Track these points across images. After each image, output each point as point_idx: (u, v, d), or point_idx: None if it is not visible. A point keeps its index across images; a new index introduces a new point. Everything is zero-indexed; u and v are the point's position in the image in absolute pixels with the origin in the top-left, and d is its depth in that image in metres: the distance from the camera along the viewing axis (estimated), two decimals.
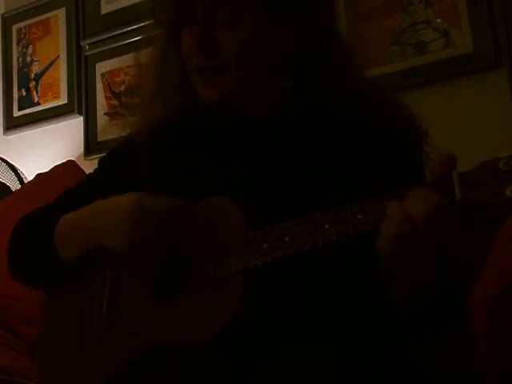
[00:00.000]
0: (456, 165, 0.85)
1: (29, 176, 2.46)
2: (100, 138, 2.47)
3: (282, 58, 1.09)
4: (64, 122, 2.59)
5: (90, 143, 2.48)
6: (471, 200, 0.82)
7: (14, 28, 2.78)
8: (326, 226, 0.90)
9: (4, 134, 2.73)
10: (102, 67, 2.51)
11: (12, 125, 2.72)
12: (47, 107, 2.63)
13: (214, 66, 1.05)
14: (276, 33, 1.06)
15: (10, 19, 2.79)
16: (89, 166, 2.21)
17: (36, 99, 2.68)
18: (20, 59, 2.76)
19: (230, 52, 1.04)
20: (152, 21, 1.16)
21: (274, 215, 0.96)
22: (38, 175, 2.26)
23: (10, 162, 2.53)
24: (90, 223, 1.07)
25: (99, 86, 2.50)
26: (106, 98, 2.49)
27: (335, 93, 1.08)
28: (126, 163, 1.16)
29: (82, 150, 2.50)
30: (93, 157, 2.42)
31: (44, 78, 2.67)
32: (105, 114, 2.48)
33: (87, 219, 1.08)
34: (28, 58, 2.74)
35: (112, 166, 1.21)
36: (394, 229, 0.85)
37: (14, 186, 2.46)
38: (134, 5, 2.42)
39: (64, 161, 2.31)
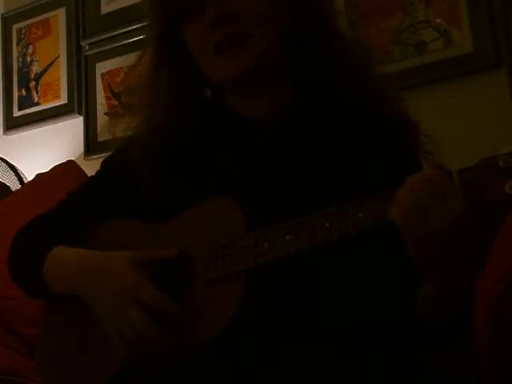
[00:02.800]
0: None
1: (29, 176, 2.46)
2: (100, 138, 2.47)
3: (287, 31, 1.09)
4: (64, 122, 2.59)
5: (90, 143, 2.48)
6: (471, 197, 0.83)
7: (14, 28, 2.78)
8: (327, 225, 0.91)
9: (4, 133, 2.73)
10: (102, 67, 2.51)
11: (12, 125, 2.71)
12: (47, 107, 2.63)
13: (239, 32, 1.04)
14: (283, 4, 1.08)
15: (9, 19, 2.79)
16: (89, 166, 2.21)
17: (36, 99, 2.68)
18: (20, 59, 2.76)
19: (250, 15, 1.04)
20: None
21: (275, 214, 0.96)
22: (38, 175, 2.26)
23: (10, 161, 2.53)
24: (80, 278, 1.07)
25: (99, 85, 2.50)
26: (106, 97, 2.49)
27: (333, 75, 1.09)
28: (129, 165, 1.15)
29: (82, 149, 2.50)
30: (93, 157, 2.42)
31: (44, 78, 2.67)
32: (105, 113, 2.48)
33: (79, 271, 1.08)
34: (28, 58, 2.74)
35: (114, 169, 1.21)
36: (400, 209, 0.84)
37: (14, 186, 2.46)
38: (134, 5, 2.42)
39: (64, 161, 2.31)
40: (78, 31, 2.58)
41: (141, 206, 1.13)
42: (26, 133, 2.68)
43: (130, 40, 2.39)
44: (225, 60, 1.05)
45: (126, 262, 1.01)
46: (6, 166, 2.50)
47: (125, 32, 2.43)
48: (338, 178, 1.03)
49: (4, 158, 2.53)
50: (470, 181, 0.83)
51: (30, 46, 2.74)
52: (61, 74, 2.62)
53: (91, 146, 2.48)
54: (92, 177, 1.25)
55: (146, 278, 0.99)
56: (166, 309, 0.97)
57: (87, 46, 2.55)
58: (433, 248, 0.85)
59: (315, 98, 1.11)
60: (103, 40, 2.51)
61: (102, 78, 2.50)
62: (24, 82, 2.73)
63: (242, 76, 1.06)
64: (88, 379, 1.07)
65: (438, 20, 1.88)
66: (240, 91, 1.12)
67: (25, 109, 2.70)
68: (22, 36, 2.76)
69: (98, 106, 2.49)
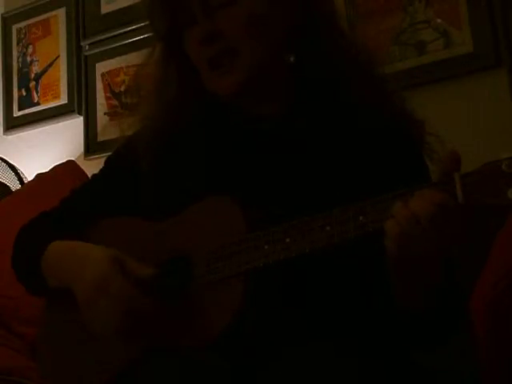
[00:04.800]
0: (460, 165, 0.85)
1: (29, 176, 2.46)
2: (100, 138, 2.47)
3: (283, 34, 1.09)
4: (64, 122, 2.59)
5: (90, 143, 2.48)
6: (473, 202, 0.82)
7: (14, 28, 2.78)
8: (328, 228, 0.90)
9: (4, 133, 2.73)
10: (101, 67, 2.51)
11: (12, 125, 2.71)
12: (47, 107, 2.63)
13: (225, 50, 1.05)
14: (274, 5, 1.07)
15: (9, 19, 2.79)
16: (89, 166, 2.21)
17: (36, 99, 2.68)
18: (20, 59, 2.76)
19: (236, 32, 1.04)
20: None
21: (277, 215, 0.96)
22: (38, 175, 2.26)
23: (10, 161, 2.53)
24: (67, 269, 1.07)
25: (99, 85, 2.50)
26: (106, 97, 2.49)
27: (336, 76, 1.09)
28: (131, 163, 1.15)
29: (82, 149, 2.50)
30: (93, 157, 2.42)
31: (44, 78, 2.67)
32: (105, 113, 2.48)
33: (67, 263, 1.08)
34: (28, 58, 2.74)
35: (118, 166, 1.21)
36: (398, 228, 0.84)
37: (14, 186, 2.46)
38: (134, 5, 2.42)
39: (64, 161, 2.31)
40: (78, 31, 2.58)
41: (143, 203, 1.13)
42: (25, 133, 2.68)
43: (130, 40, 2.40)
44: (218, 76, 1.06)
45: (103, 255, 1.00)
46: (6, 166, 2.50)
47: (125, 32, 2.43)
48: (341, 179, 1.03)
49: (4, 158, 2.53)
50: (473, 186, 0.82)
51: (30, 46, 2.74)
52: (61, 73, 2.62)
53: (91, 146, 2.48)
54: (95, 174, 1.25)
55: (118, 270, 0.98)
56: (135, 301, 0.96)
57: (87, 46, 2.55)
58: (411, 265, 0.89)
59: (320, 99, 1.11)
60: (103, 40, 2.51)
61: (102, 78, 2.50)
62: (24, 82, 2.73)
63: (238, 91, 1.07)
64: (89, 379, 1.07)
65: (438, 20, 1.88)
66: (240, 100, 1.12)
67: (25, 109, 2.70)
68: (22, 36, 2.76)
69: (98, 106, 2.49)
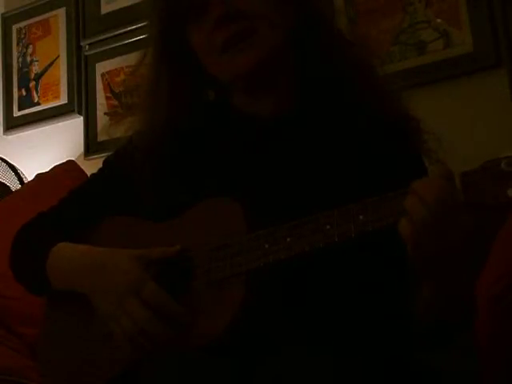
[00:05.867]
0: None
1: (29, 176, 2.46)
2: (100, 138, 2.47)
3: (291, 32, 1.09)
4: (64, 122, 2.59)
5: (90, 143, 2.48)
6: (473, 201, 0.82)
7: (14, 28, 2.78)
8: (328, 227, 0.90)
9: (4, 133, 2.73)
10: (101, 67, 2.51)
11: (12, 125, 2.71)
12: (47, 107, 2.63)
13: (244, 29, 1.04)
14: (277, 6, 1.07)
15: (10, 19, 2.79)
16: (89, 166, 2.21)
17: (36, 99, 2.68)
18: (20, 59, 2.76)
19: (256, 11, 1.04)
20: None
21: (277, 215, 0.96)
22: (38, 175, 2.26)
23: (10, 162, 2.53)
24: (82, 273, 1.07)
25: (99, 85, 2.50)
26: (106, 97, 2.49)
27: (336, 75, 1.09)
28: (130, 164, 1.15)
29: (82, 149, 2.50)
30: (93, 157, 2.42)
31: (44, 78, 2.67)
32: (105, 113, 2.48)
33: (81, 267, 1.08)
34: (28, 58, 2.74)
35: (116, 167, 1.21)
36: (410, 227, 0.84)
37: (14, 185, 2.46)
38: (134, 5, 2.42)
39: (64, 161, 2.31)
40: (78, 31, 2.58)
41: (142, 204, 1.13)
42: (25, 133, 2.68)
43: (130, 40, 2.39)
44: (231, 58, 1.05)
45: (130, 258, 1.02)
46: (6, 166, 2.50)
47: (125, 32, 2.43)
48: (341, 179, 1.03)
49: (4, 158, 2.54)
50: (472, 184, 0.82)
51: (30, 46, 2.74)
52: (61, 73, 2.62)
53: (91, 146, 2.48)
54: (94, 175, 1.25)
55: (149, 275, 0.99)
56: (166, 306, 0.97)
57: (87, 46, 2.55)
58: (438, 261, 0.86)
59: (320, 99, 1.11)
60: (103, 40, 2.51)
61: (102, 78, 2.50)
62: (24, 82, 2.73)
63: (249, 73, 1.06)
64: (90, 379, 1.07)
65: (438, 20, 1.88)
66: (246, 90, 1.12)
67: (25, 109, 2.70)
68: (22, 36, 2.76)
69: (98, 106, 2.49)
